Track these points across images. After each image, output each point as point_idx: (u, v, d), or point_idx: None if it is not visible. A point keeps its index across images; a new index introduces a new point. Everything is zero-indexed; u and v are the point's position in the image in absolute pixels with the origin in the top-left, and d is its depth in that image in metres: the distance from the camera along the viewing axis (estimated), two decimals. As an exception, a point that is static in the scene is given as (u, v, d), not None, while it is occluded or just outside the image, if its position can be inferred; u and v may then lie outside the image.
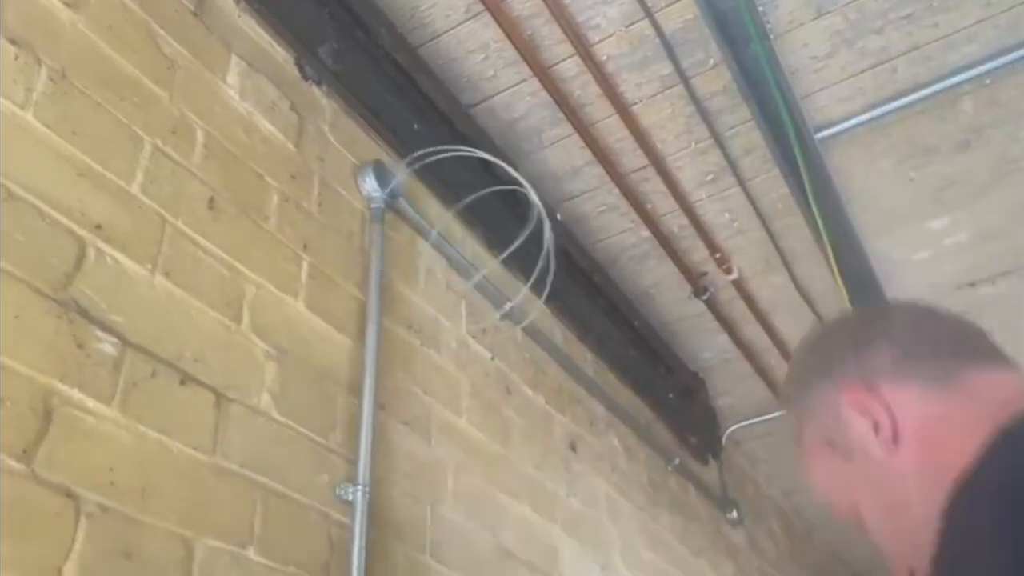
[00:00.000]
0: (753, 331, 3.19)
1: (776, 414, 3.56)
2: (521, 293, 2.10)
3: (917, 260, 2.91)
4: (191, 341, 1.25)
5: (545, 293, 2.03)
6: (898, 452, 0.74)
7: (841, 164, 2.49)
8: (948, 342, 0.79)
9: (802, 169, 2.31)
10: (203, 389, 1.24)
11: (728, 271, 2.83)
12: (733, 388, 3.56)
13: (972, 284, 3.03)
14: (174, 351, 1.21)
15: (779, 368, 3.40)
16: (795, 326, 3.20)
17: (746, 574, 3.38)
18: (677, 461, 2.98)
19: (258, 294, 1.41)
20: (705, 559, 2.99)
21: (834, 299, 2.92)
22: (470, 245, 2.17)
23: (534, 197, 1.87)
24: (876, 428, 0.75)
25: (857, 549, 5.09)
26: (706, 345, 3.29)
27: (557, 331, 2.52)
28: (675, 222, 2.68)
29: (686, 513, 2.99)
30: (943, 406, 0.73)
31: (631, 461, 2.70)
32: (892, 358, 0.78)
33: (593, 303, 2.69)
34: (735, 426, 3.62)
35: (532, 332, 2.30)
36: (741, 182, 2.52)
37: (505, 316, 2.19)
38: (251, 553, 1.21)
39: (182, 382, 1.21)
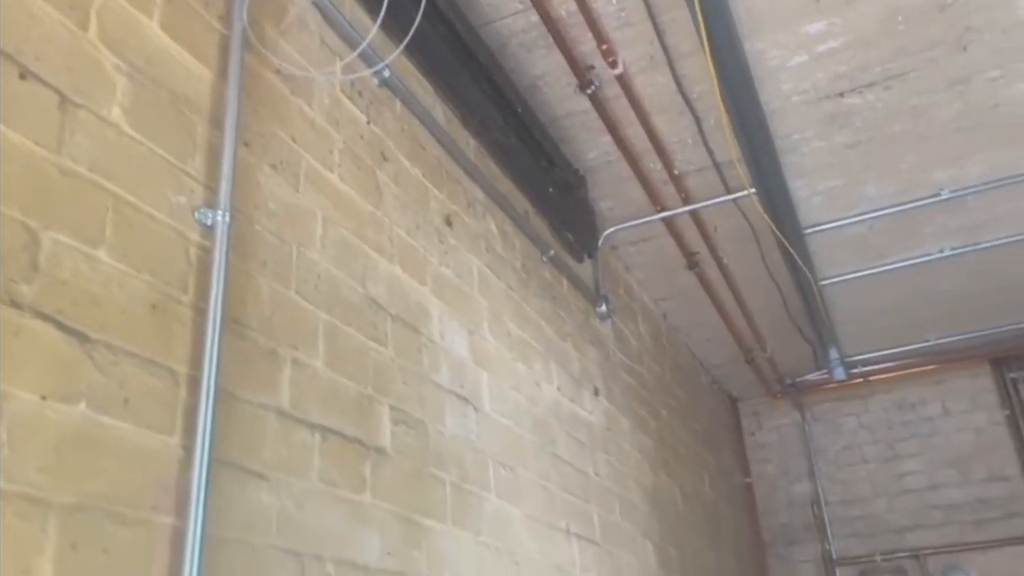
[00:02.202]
0: (635, 133, 3.26)
1: (652, 218, 3.72)
2: (394, 54, 2.06)
3: (791, 66, 3.00)
4: (31, 38, 1.19)
5: (407, 38, 1.98)
6: None
7: (729, -44, 2.49)
8: None
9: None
10: (45, 88, 1.19)
11: (614, 64, 2.85)
12: (613, 191, 3.68)
13: (841, 95, 3.16)
14: (13, 45, 1.16)
15: (658, 172, 3.53)
16: (675, 129, 3.30)
17: (610, 362, 3.65)
18: (552, 253, 3.11)
19: (107, 3, 1.34)
20: (571, 343, 3.20)
21: (711, 101, 3.01)
22: (348, 4, 2.10)
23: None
24: None
25: (714, 356, 5.55)
26: (590, 145, 3.36)
27: (439, 109, 2.51)
28: (564, 7, 2.65)
29: (557, 302, 3.16)
30: None
31: (507, 247, 2.80)
32: None
33: (479, 88, 2.68)
34: (612, 228, 3.78)
35: (412, 105, 2.29)
36: (631, -33, 2.49)
37: (383, 84, 2.16)
38: (103, 254, 1.22)
39: (22, 76, 1.16)
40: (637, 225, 3.79)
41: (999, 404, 5.79)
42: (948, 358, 5.71)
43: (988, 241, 4.25)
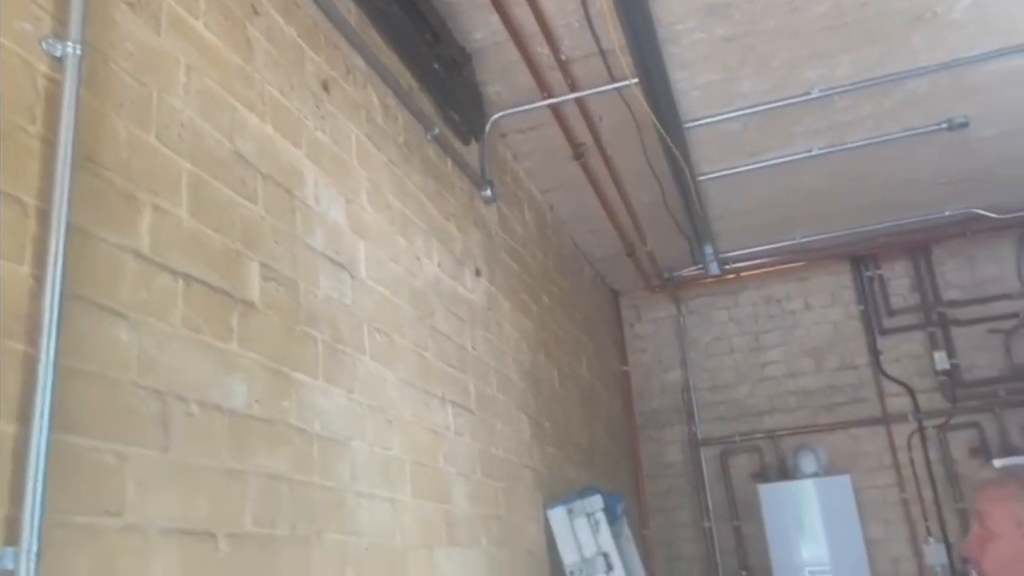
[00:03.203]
0: (523, 13, 3.24)
1: (539, 104, 3.75)
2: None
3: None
4: None
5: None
6: None
7: None
8: None
9: None
10: None
11: (500, -63, 2.81)
12: (501, 75, 3.67)
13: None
14: None
15: (545, 57, 3.54)
16: (562, 12, 3.31)
17: (493, 245, 3.73)
18: (437, 132, 3.12)
19: None
20: (454, 223, 3.25)
21: (598, -17, 3.03)
22: None
23: None
24: None
25: (598, 250, 5.73)
26: (477, 24, 3.32)
27: (317, -31, 2.43)
28: None
29: (441, 181, 3.19)
30: None
31: (388, 120, 2.78)
32: None
33: (360, -48, 2.60)
34: (500, 114, 3.79)
35: (287, -40, 2.21)
36: None
37: (255, -67, 2.07)
38: (-64, 72, 1.17)
39: None
40: (525, 111, 3.82)
41: (855, 300, 6.26)
42: (812, 256, 6.11)
43: (853, 142, 4.51)
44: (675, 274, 6.15)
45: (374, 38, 2.76)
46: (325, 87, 2.34)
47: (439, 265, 3.01)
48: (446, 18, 3.14)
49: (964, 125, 4.36)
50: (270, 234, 1.95)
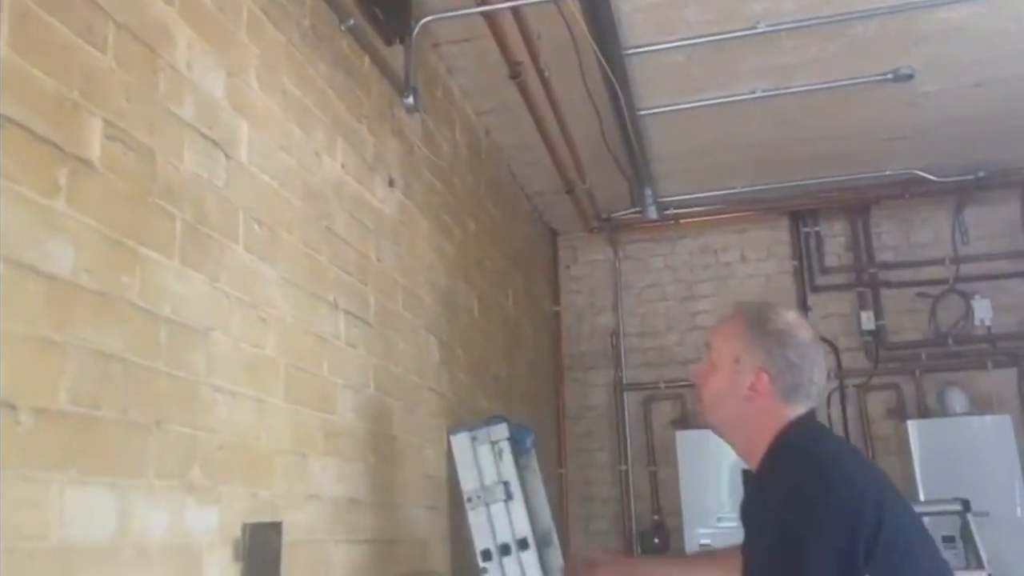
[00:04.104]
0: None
1: (473, 10, 3.53)
2: None
3: None
4: None
5: None
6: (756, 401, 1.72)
7: None
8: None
9: None
10: None
11: None
12: (432, -25, 3.45)
13: None
14: None
15: (479, -40, 3.32)
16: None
17: (413, 158, 3.54)
18: (352, 23, 2.90)
19: None
20: (366, 126, 3.06)
21: None
22: None
23: None
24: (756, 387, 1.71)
25: (536, 183, 5.56)
26: (406, -87, 3.09)
27: None
28: None
29: (354, 78, 2.98)
30: (786, 408, 1.70)
31: (293, 1, 2.56)
32: (792, 386, 1.70)
33: None
34: (430, 17, 3.57)
35: None
36: None
37: None
38: None
39: None
40: (457, 16, 3.60)
41: (791, 255, 6.24)
42: (752, 208, 6.04)
43: (797, 86, 4.39)
44: (613, 216, 6.03)
45: (281, -94, 2.52)
46: (210, -56, 2.11)
47: (343, 166, 2.82)
48: (368, -102, 2.90)
49: (909, 77, 4.28)
50: (120, 91, 1.74)
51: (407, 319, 3.31)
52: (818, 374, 1.73)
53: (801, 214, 6.20)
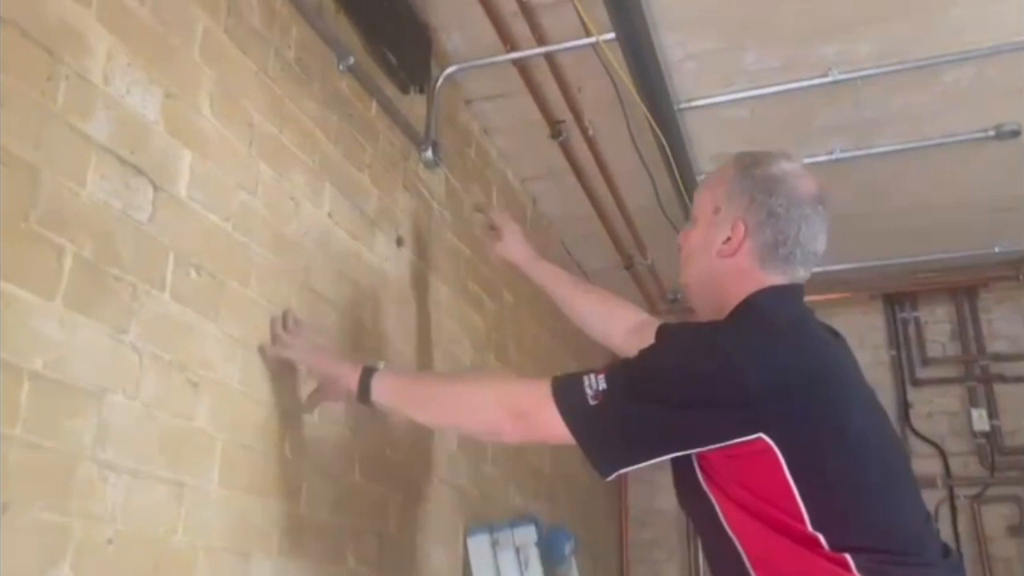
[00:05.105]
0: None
1: (502, 58, 3.22)
2: None
3: None
4: None
5: None
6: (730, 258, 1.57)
7: None
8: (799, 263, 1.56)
9: None
10: None
11: None
12: (456, 20, 3.16)
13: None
14: None
15: (507, 5, 3.02)
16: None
17: (432, 218, 3.18)
18: (352, 62, 2.60)
19: None
20: (368, 175, 2.72)
21: None
22: None
23: None
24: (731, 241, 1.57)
25: (594, 259, 5.11)
26: (422, -51, 2.83)
27: None
28: None
29: (354, 121, 2.67)
30: (762, 273, 1.55)
31: (272, 27, 2.28)
32: (772, 244, 1.54)
33: None
34: (456, 67, 3.27)
35: None
36: None
37: None
38: None
39: None
40: (486, 66, 3.29)
41: (887, 343, 5.53)
42: (839, 290, 5.40)
43: (882, 145, 3.87)
44: (680, 296, 5.50)
45: (264, -72, 2.27)
46: (154, -49, 1.85)
47: (330, 215, 2.47)
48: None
49: (1015, 134, 3.69)
50: (-7, 93, 1.44)
51: (414, 397, 2.87)
52: (810, 239, 1.53)
53: (897, 297, 5.52)
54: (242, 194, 2.08)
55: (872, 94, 3.50)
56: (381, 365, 2.06)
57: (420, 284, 3.03)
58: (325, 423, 2.32)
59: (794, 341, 1.43)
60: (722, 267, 1.55)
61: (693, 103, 3.55)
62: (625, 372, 1.45)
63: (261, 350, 2.06)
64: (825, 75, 3.37)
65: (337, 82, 2.59)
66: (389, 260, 2.81)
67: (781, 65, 3.36)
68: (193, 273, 1.88)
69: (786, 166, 1.57)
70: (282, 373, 2.14)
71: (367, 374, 1.89)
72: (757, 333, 1.43)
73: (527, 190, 4.33)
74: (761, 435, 1.31)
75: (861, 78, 3.36)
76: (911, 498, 1.45)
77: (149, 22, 1.81)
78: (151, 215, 1.77)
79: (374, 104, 2.81)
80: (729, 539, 1.38)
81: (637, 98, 3.29)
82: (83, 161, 1.62)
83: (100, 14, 1.68)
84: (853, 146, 3.88)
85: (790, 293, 1.53)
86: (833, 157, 3.92)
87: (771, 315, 1.47)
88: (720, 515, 1.39)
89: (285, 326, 2.11)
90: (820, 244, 1.55)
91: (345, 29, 2.66)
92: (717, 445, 1.35)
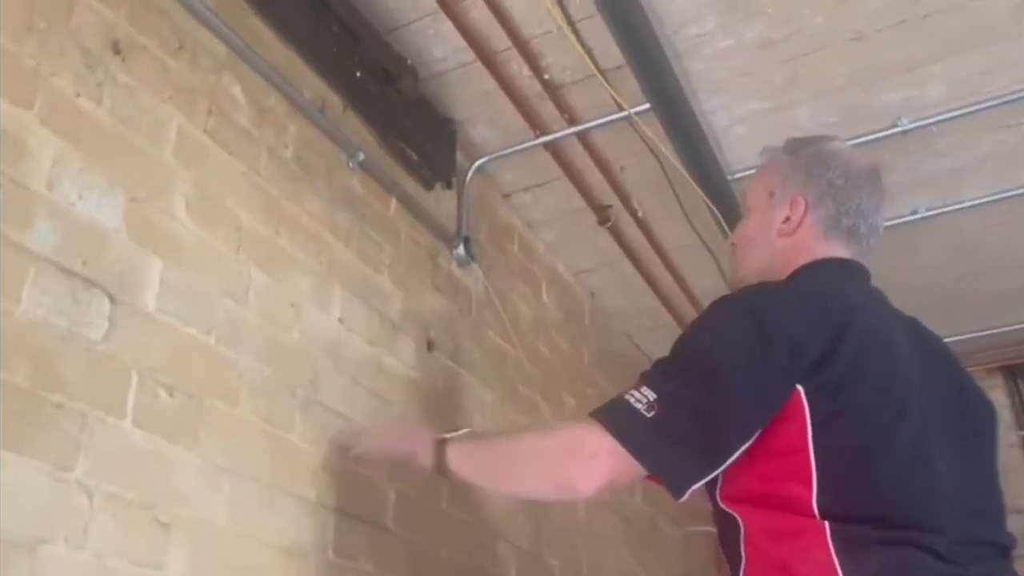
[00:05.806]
0: (482, 18, 2.59)
1: (532, 143, 3.02)
2: None
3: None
4: None
5: None
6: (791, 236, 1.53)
7: None
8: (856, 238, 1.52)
9: None
10: None
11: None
12: (481, 111, 2.98)
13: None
14: None
15: (526, 81, 2.83)
16: (534, 19, 2.62)
17: (469, 317, 2.93)
18: (362, 158, 2.44)
19: None
20: (388, 275, 2.50)
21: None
22: None
23: None
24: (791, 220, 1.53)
25: (662, 351, 4.72)
26: (433, 38, 2.68)
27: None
28: None
29: (368, 219, 2.48)
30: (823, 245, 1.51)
31: (263, 124, 2.13)
32: (835, 216, 1.51)
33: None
34: (486, 158, 3.09)
35: None
36: None
37: None
38: None
39: None
40: (517, 154, 3.10)
41: (1014, 423, 4.85)
42: (948, 365, 4.81)
43: (972, 198, 3.44)
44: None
45: (254, 26, 2.16)
46: (116, 49, 1.73)
47: (341, 321, 2.24)
48: (369, 18, 2.52)
49: None
50: None
51: (457, 519, 2.54)
52: (872, 211, 1.50)
53: (1019, 368, 4.88)
54: (228, 302, 1.87)
55: (952, 141, 3.12)
56: (462, 432, 1.86)
57: (458, 390, 2.74)
58: (340, 558, 2.01)
59: (823, 302, 1.37)
60: (783, 246, 1.52)
61: (748, 172, 3.24)
62: (665, 368, 1.42)
63: (327, 465, 1.96)
64: (894, 125, 3.02)
65: (346, 179, 2.42)
66: (417, 367, 2.54)
67: (840, 119, 3.03)
68: (163, 394, 1.65)
69: (837, 143, 1.60)
70: (284, 505, 1.86)
71: (441, 447, 1.68)
72: (787, 291, 1.43)
73: (583, 283, 4.05)
74: (798, 386, 1.27)
75: (936, 123, 2.99)
76: (949, 482, 1.34)
77: (107, 123, 1.67)
78: (107, 332, 1.56)
79: (393, 201, 2.62)
80: (727, 513, 1.37)
81: (684, 173, 3.02)
82: (19, 276, 1.43)
83: (45, 117, 1.54)
84: (939, 202, 3.46)
85: (845, 266, 1.49)
86: (918, 216, 3.50)
87: (812, 278, 1.46)
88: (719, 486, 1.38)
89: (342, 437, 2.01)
90: (881, 219, 1.53)
91: (353, 125, 2.51)
92: (773, 414, 1.28)
